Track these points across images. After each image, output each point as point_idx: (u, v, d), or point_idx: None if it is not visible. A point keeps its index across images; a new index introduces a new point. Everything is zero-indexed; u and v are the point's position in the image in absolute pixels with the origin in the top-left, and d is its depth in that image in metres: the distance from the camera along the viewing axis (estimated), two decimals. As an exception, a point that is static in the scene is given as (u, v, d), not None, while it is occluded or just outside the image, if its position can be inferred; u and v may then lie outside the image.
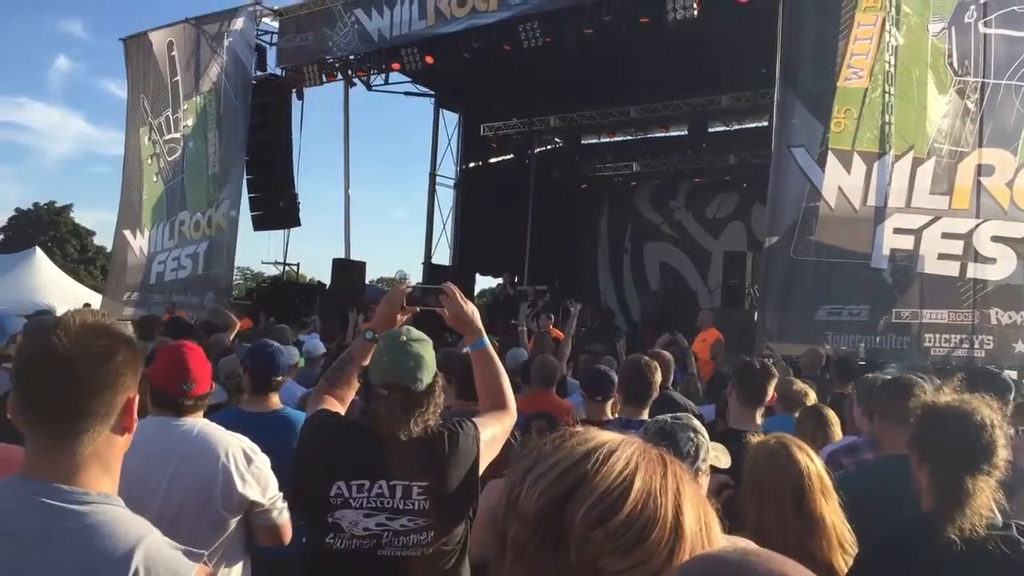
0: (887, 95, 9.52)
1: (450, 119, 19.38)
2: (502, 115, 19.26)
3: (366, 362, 2.53)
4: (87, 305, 16.57)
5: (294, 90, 15.85)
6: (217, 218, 14.97)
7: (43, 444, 1.37)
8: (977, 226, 9.09)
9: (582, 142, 20.67)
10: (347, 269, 16.64)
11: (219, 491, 2.52)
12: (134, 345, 1.44)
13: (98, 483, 1.38)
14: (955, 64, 9.39)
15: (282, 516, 2.69)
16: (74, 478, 1.35)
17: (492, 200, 19.22)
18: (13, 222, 46.53)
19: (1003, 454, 2.12)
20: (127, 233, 16.53)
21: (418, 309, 2.73)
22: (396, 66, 14.54)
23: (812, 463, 2.28)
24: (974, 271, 9.05)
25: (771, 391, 3.67)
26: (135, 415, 1.43)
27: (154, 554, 1.35)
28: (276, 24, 15.59)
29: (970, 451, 2.11)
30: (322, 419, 2.47)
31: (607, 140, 20.49)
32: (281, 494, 2.69)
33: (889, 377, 3.80)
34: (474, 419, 2.51)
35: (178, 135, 15.86)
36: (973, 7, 9.34)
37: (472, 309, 2.64)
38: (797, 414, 4.19)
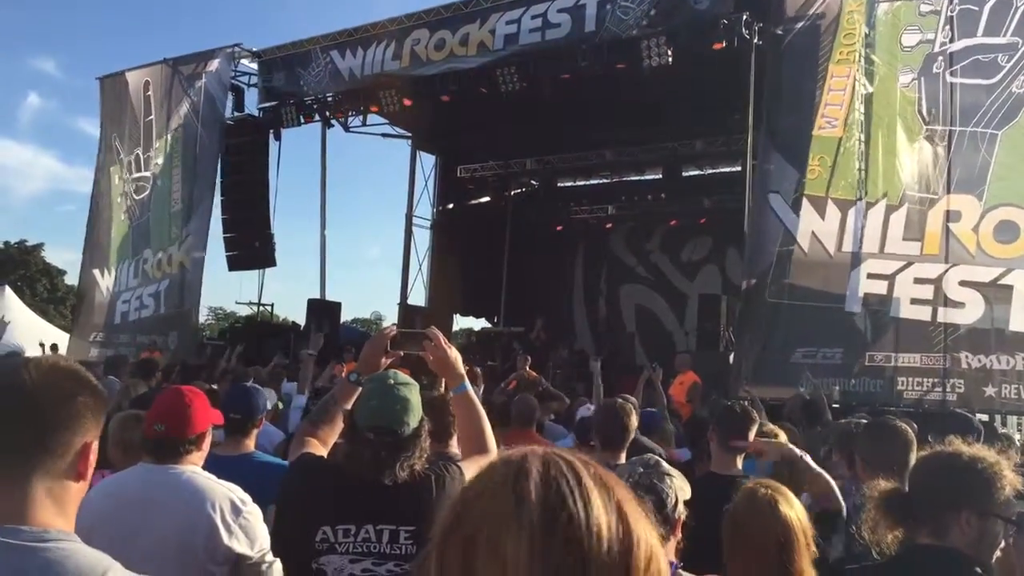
0: (860, 144, 9.74)
1: (427, 160, 19.49)
2: (479, 157, 19.37)
3: (348, 405, 2.51)
4: (55, 346, 16.31)
5: (271, 131, 15.86)
6: (179, 256, 14.82)
7: None
8: (946, 271, 9.20)
9: (558, 185, 20.84)
10: (322, 310, 16.53)
11: (202, 543, 2.42)
12: (100, 394, 1.45)
13: (54, 522, 1.36)
14: (924, 113, 9.63)
15: (272, 570, 2.57)
16: (28, 516, 1.33)
17: (468, 241, 19.26)
18: (-18, 261, 45.89)
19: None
20: (96, 272, 16.33)
21: (402, 353, 2.71)
22: (375, 108, 14.59)
23: (800, 518, 2.29)
24: (944, 315, 9.13)
25: (752, 435, 3.67)
26: (91, 462, 1.42)
27: None
28: (255, 66, 15.68)
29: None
30: (306, 463, 2.44)
31: (582, 183, 20.69)
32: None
33: (867, 421, 3.83)
34: (459, 463, 2.50)
35: (147, 173, 15.80)
36: (941, 58, 9.60)
37: (455, 354, 2.65)
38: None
